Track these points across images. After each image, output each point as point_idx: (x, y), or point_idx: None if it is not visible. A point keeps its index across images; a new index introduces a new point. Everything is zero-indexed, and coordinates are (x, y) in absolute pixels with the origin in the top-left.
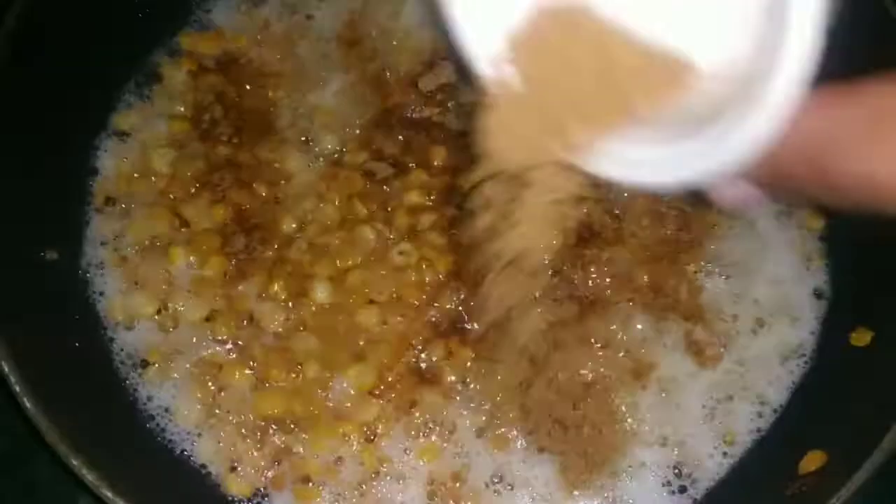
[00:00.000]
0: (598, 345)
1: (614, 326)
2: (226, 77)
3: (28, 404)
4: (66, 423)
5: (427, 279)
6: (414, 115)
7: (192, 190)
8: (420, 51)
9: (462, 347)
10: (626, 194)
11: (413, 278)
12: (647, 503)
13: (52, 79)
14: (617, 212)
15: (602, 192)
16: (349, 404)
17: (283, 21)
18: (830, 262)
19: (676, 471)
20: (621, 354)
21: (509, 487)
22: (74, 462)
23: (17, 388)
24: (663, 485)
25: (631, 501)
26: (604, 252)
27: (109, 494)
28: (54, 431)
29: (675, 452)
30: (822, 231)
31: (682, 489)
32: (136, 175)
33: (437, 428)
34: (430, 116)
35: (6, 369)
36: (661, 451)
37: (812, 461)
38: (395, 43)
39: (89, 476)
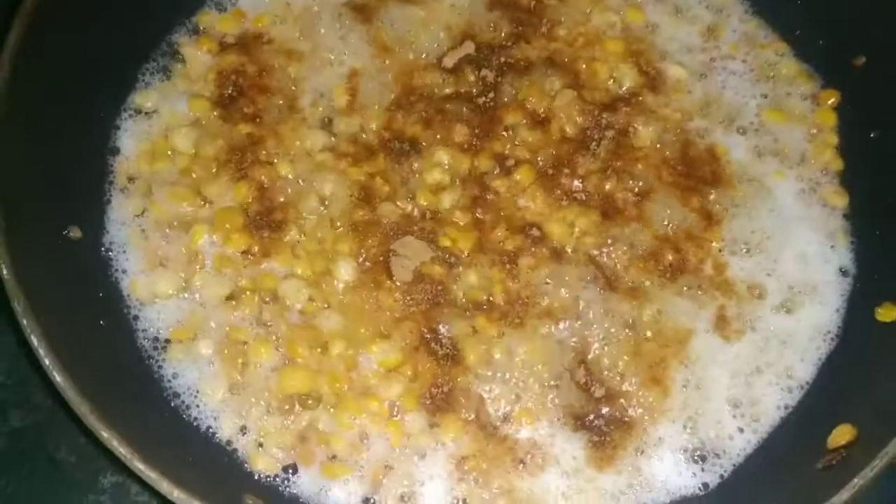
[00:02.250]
0: (625, 321)
1: (639, 303)
2: (247, 56)
3: (58, 378)
4: (95, 398)
5: (451, 257)
6: (436, 94)
7: (214, 168)
8: (446, 26)
9: (488, 324)
10: (641, 173)
11: (438, 255)
12: (673, 480)
13: (72, 59)
14: (637, 189)
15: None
16: (374, 381)
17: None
18: (855, 240)
19: (703, 448)
20: (648, 332)
21: (538, 464)
22: (105, 435)
23: (47, 362)
24: (690, 462)
25: (658, 478)
26: (626, 229)
27: (142, 467)
28: (85, 405)
29: (702, 429)
30: (846, 209)
31: (709, 466)
32: (157, 154)
33: (463, 404)
34: (451, 93)
35: (35, 342)
36: (687, 428)
37: (841, 435)
38: (417, 21)
39: (120, 449)
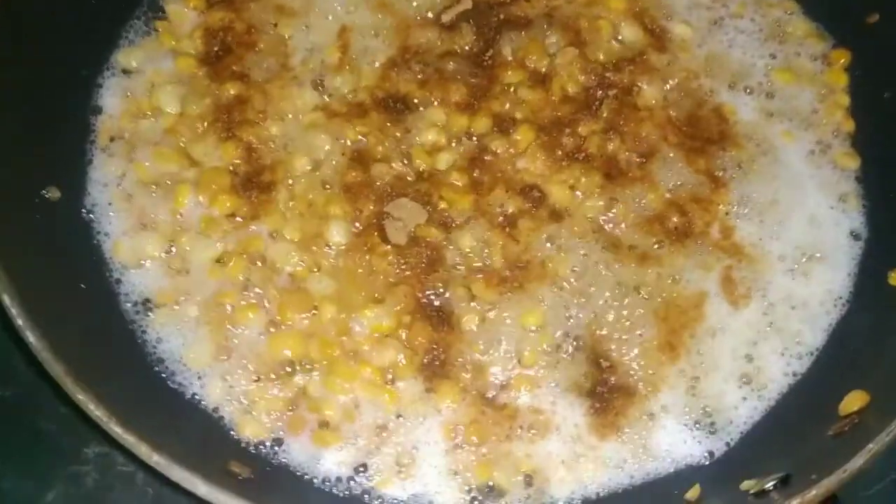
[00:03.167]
0: (630, 285)
1: (644, 267)
2: (235, 13)
3: (32, 339)
4: (72, 361)
5: (447, 219)
6: (432, 51)
7: (201, 128)
8: None
9: (486, 289)
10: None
11: (433, 218)
12: (678, 448)
13: (53, 16)
14: (641, 150)
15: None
16: (367, 347)
17: None
18: (867, 203)
19: (708, 415)
20: (655, 297)
21: (537, 431)
22: (80, 397)
23: (20, 322)
24: (695, 429)
25: (662, 447)
26: (630, 191)
27: (119, 430)
28: (60, 365)
29: (707, 397)
30: (858, 171)
31: (715, 434)
32: (141, 113)
33: (460, 370)
34: (448, 51)
35: (7, 302)
36: (691, 394)
37: (854, 401)
38: None
39: (97, 412)
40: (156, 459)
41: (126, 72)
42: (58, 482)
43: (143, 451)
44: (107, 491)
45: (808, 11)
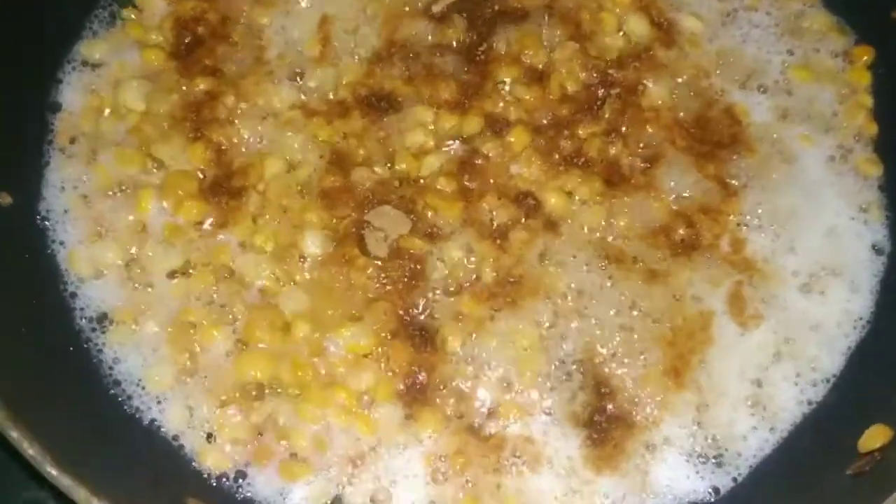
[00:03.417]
0: (631, 303)
1: (648, 283)
2: (208, 2)
3: None
4: (10, 390)
5: (433, 229)
6: (420, 45)
7: (167, 127)
8: None
9: (474, 305)
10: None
11: (418, 227)
12: (681, 484)
13: (10, 4)
14: (646, 154)
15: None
16: (342, 369)
17: None
18: (891, 214)
19: (714, 446)
20: (658, 317)
21: (527, 464)
22: (14, 434)
23: None
24: (699, 462)
25: (663, 481)
26: (633, 199)
27: (54, 472)
28: None
29: (713, 427)
30: (881, 178)
31: (720, 468)
32: (104, 111)
33: (444, 395)
34: (438, 44)
35: None
36: (696, 423)
37: (875, 436)
38: None
39: (30, 450)
40: None
41: (89, 65)
42: None
43: (81, 495)
44: None
45: (828, 4)
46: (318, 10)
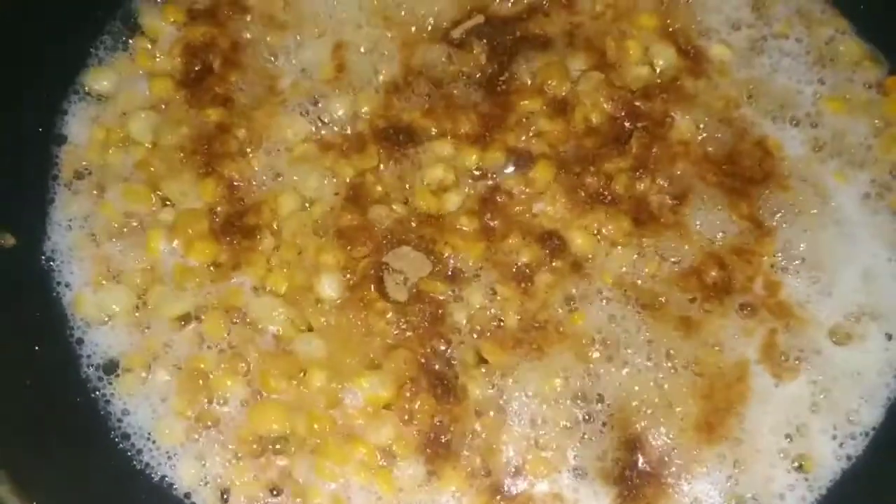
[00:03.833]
0: (664, 351)
1: (680, 330)
2: (219, 28)
3: None
4: (15, 460)
5: (454, 271)
6: (439, 74)
7: (177, 162)
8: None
9: (498, 353)
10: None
11: (438, 269)
12: None
13: (12, 31)
14: (676, 191)
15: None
16: (361, 421)
17: None
18: None
19: None
20: (690, 364)
21: None
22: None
23: None
24: None
25: None
26: (663, 239)
27: None
28: None
29: (747, 485)
30: None
31: None
32: (110, 144)
33: (467, 449)
34: (458, 73)
35: None
36: (731, 481)
37: None
38: None
39: None
40: None
41: (94, 95)
42: None
43: None
44: None
45: (861, 31)
46: (333, 36)
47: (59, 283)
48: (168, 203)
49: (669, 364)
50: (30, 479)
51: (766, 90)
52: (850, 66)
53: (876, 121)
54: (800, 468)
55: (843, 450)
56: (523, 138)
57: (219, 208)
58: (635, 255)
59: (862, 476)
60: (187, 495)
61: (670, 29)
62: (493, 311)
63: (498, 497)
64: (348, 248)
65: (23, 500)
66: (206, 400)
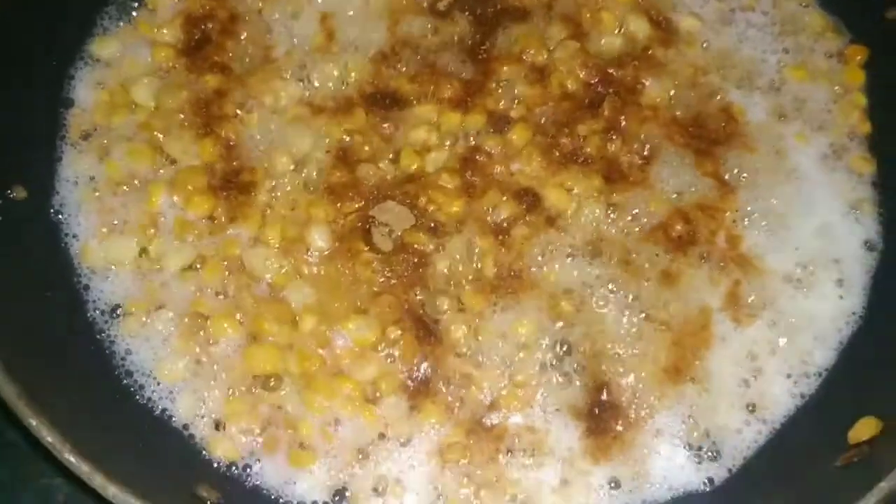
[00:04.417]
0: (631, 299)
1: (646, 279)
2: (217, 1)
3: None
4: (27, 380)
5: (436, 224)
6: (424, 43)
7: (177, 123)
8: None
9: (477, 298)
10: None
11: (422, 223)
12: (675, 475)
13: (23, 2)
14: (645, 151)
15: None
16: (348, 361)
17: None
18: (883, 211)
19: (708, 440)
20: (656, 311)
21: (528, 454)
22: (33, 422)
23: None
24: (694, 455)
25: (659, 472)
26: (632, 196)
27: (72, 459)
28: (12, 386)
29: (707, 420)
30: (874, 176)
31: (715, 459)
32: (115, 107)
33: (447, 386)
34: (441, 42)
35: None
36: (692, 417)
37: (864, 429)
38: None
39: (49, 437)
40: (112, 492)
41: (100, 62)
42: (27, 496)
43: (98, 482)
44: None
45: (824, 4)
46: (324, 7)
47: (66, 235)
48: (169, 162)
49: (635, 310)
50: (43, 402)
51: (732, 59)
52: (812, 37)
53: (836, 87)
54: (756, 405)
55: (797, 388)
56: (502, 103)
57: (217, 166)
58: (606, 211)
59: (814, 413)
60: (185, 426)
61: (643, 1)
62: (471, 261)
63: (475, 428)
64: (337, 203)
65: (37, 415)
66: (203, 342)
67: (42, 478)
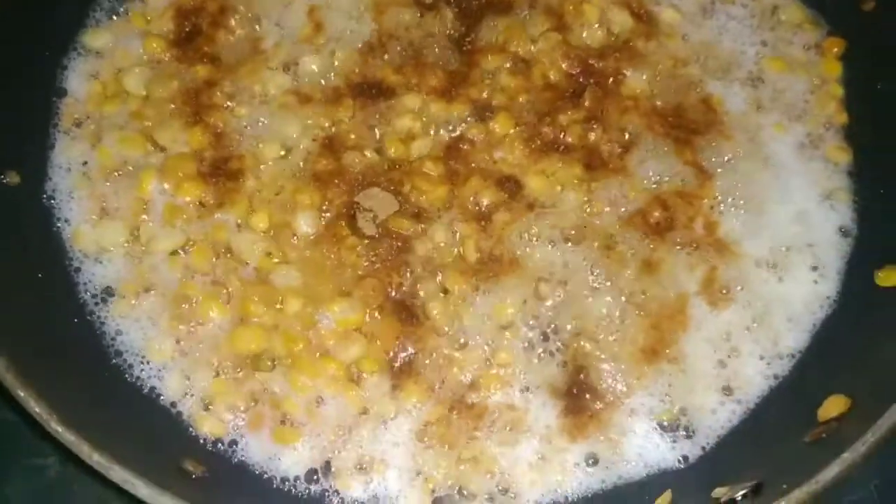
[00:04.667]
0: (610, 283)
1: (625, 264)
2: None
3: None
4: (17, 353)
5: (419, 210)
6: (410, 33)
7: (167, 112)
8: None
9: (458, 280)
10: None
11: (405, 208)
12: (650, 453)
13: None
14: (625, 140)
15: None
16: (333, 342)
17: None
18: (858, 199)
19: (685, 418)
20: (634, 294)
21: (507, 432)
22: (21, 393)
23: None
24: (669, 433)
25: (634, 450)
26: (612, 183)
27: (59, 429)
28: (2, 360)
29: (682, 399)
30: (849, 165)
31: (689, 438)
32: (107, 96)
33: (428, 366)
34: (427, 34)
35: None
36: (668, 397)
37: (833, 406)
38: None
39: (37, 407)
40: (96, 459)
41: (93, 52)
42: (16, 475)
43: (84, 450)
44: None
45: None
46: (314, 0)
47: (59, 219)
48: (159, 149)
49: (615, 294)
50: (31, 376)
51: (712, 51)
52: (791, 29)
53: (814, 79)
54: (731, 386)
55: (771, 369)
56: (486, 93)
57: (206, 153)
58: (586, 198)
59: (787, 393)
60: (173, 404)
61: None
62: (454, 245)
63: (455, 406)
64: (323, 189)
65: (24, 387)
66: (191, 323)
67: (34, 457)
